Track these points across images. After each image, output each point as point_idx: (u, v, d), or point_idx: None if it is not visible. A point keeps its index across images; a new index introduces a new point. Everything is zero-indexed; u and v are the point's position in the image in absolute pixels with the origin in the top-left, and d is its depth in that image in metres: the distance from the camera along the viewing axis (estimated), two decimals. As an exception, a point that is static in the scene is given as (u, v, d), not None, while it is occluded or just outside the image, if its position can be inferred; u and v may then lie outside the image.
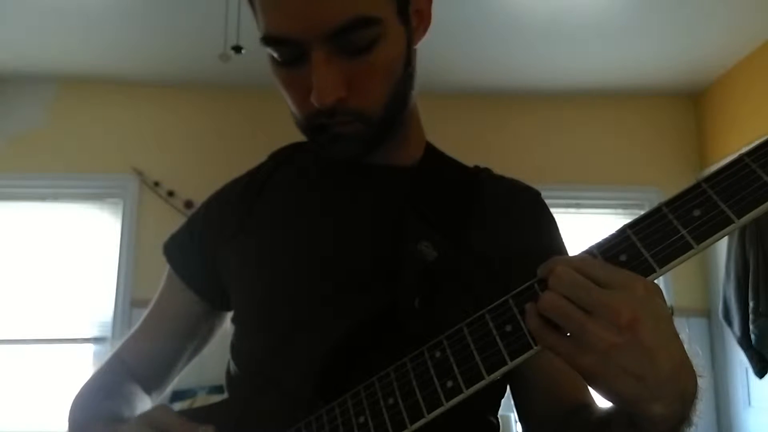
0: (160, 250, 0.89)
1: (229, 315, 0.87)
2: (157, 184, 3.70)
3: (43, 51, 3.46)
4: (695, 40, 3.33)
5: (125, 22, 3.16)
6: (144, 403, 0.82)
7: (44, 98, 3.75)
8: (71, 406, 0.81)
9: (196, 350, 0.90)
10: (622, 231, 0.52)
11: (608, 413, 0.59)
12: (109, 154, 3.74)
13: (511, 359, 0.52)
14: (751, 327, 3.05)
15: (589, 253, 0.52)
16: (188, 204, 3.59)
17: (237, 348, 0.82)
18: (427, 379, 0.56)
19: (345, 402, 0.62)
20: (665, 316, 0.49)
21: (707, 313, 3.72)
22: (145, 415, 0.65)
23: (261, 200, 0.84)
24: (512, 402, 0.79)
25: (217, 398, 0.94)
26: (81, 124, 3.78)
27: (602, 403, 0.57)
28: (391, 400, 0.58)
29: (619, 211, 3.93)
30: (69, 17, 3.10)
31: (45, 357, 3.50)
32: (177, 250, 0.88)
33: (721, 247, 3.36)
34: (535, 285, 0.53)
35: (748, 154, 0.49)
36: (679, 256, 0.49)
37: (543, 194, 0.85)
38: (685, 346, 0.50)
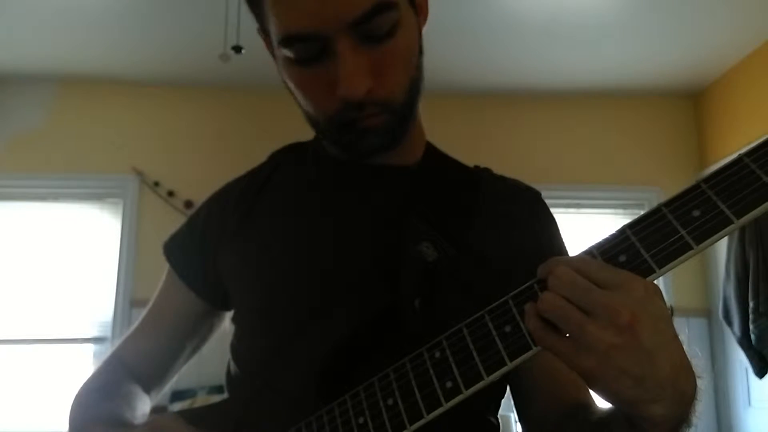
0: (160, 250, 0.89)
1: (229, 315, 0.87)
2: (157, 184, 3.70)
3: (43, 51, 3.46)
4: (695, 40, 3.33)
5: (125, 22, 3.16)
6: (143, 403, 0.82)
7: (44, 98, 3.75)
8: (71, 407, 0.81)
9: (196, 349, 0.90)
10: (622, 231, 0.52)
11: (608, 414, 0.59)
12: (109, 154, 3.74)
13: (511, 360, 0.52)
14: (751, 327, 3.05)
15: (589, 253, 0.52)
16: (188, 204, 3.59)
17: (237, 348, 0.82)
18: (427, 380, 0.56)
19: (344, 402, 0.62)
20: (665, 316, 0.49)
21: (707, 313, 3.72)
22: (154, 423, 0.65)
23: (261, 200, 0.83)
24: (512, 402, 0.79)
25: (217, 398, 0.94)
26: (81, 124, 3.78)
27: (602, 403, 0.57)
28: (390, 401, 0.58)
29: (619, 211, 3.93)
30: (69, 17, 3.10)
31: (45, 357, 3.50)
32: (177, 249, 0.88)
33: (721, 247, 3.36)
34: (535, 285, 0.53)
35: (748, 154, 0.49)
36: (678, 257, 0.49)
37: (543, 194, 0.85)
38: (685, 347, 0.50)
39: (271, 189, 0.85)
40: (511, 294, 0.54)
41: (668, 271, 0.50)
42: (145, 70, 3.70)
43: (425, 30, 0.77)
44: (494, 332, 0.54)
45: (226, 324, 0.89)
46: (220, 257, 0.83)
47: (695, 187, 0.50)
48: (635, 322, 0.46)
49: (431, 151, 0.85)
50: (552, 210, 0.84)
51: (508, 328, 0.53)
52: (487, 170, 0.86)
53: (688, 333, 0.52)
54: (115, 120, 3.81)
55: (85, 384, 0.84)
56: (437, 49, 3.25)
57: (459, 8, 3.02)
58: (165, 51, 3.48)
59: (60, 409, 3.26)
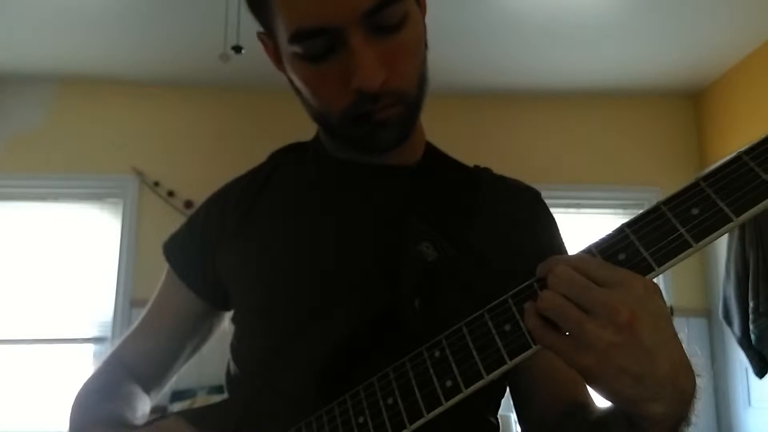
0: (160, 250, 0.89)
1: (229, 315, 0.87)
2: (157, 184, 3.70)
3: (43, 51, 3.46)
4: (695, 40, 3.33)
5: (125, 22, 3.16)
6: (143, 403, 0.82)
7: (44, 98, 3.76)
8: (71, 408, 0.81)
9: (195, 349, 0.90)
10: (621, 230, 0.52)
11: (607, 413, 0.59)
12: (109, 154, 3.74)
13: (510, 358, 0.52)
14: (751, 327, 3.05)
15: (588, 252, 0.52)
16: (188, 204, 3.59)
17: (237, 348, 0.82)
18: (427, 379, 0.56)
19: (344, 402, 0.62)
20: (664, 315, 0.49)
21: (707, 313, 3.72)
22: (158, 426, 0.65)
23: (261, 200, 0.83)
24: (511, 402, 0.79)
25: (217, 398, 0.94)
26: (81, 124, 3.78)
27: (601, 402, 0.57)
28: (390, 400, 0.58)
29: (619, 211, 3.93)
30: (69, 17, 3.10)
31: (45, 357, 3.50)
32: (177, 249, 0.88)
33: (721, 247, 3.36)
34: (534, 284, 0.53)
35: (747, 152, 0.49)
36: (677, 255, 0.49)
37: (543, 194, 0.85)
38: (684, 346, 0.50)
39: (271, 189, 0.85)
40: (511, 293, 0.54)
41: (667, 269, 0.50)
42: (145, 70, 3.70)
43: (425, 30, 0.77)
44: (494, 331, 0.54)
45: (226, 324, 0.89)
46: (219, 257, 0.83)
47: (694, 185, 0.50)
48: (635, 320, 0.46)
49: (431, 151, 0.85)
50: (552, 210, 0.84)
51: (507, 327, 0.53)
52: (487, 170, 0.86)
53: (688, 333, 0.52)
54: (115, 120, 3.81)
55: (85, 384, 0.84)
56: (437, 49, 3.23)
57: (459, 9, 3.02)
58: (165, 51, 3.48)
59: (60, 409, 3.26)
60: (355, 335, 0.67)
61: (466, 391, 0.54)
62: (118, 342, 0.90)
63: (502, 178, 0.86)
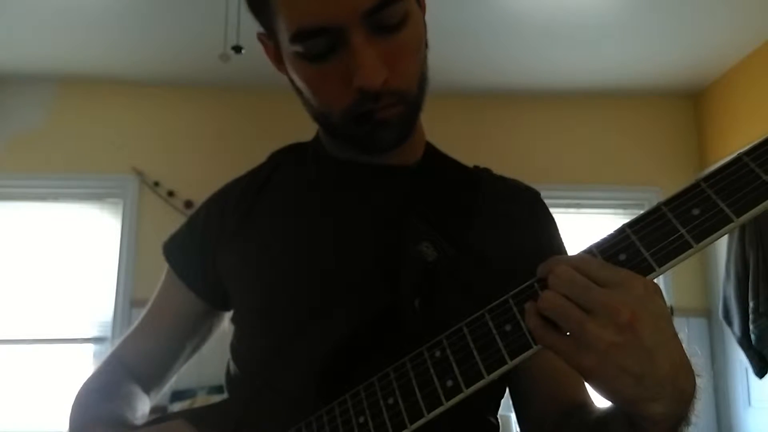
0: (160, 250, 0.89)
1: (229, 315, 0.87)
2: (157, 184, 3.70)
3: (43, 51, 3.46)
4: (695, 40, 3.34)
5: (125, 22, 3.16)
6: (143, 403, 0.82)
7: (44, 98, 3.75)
8: (71, 407, 0.81)
9: (195, 349, 0.90)
10: (621, 230, 0.52)
11: (607, 413, 0.59)
12: (109, 154, 3.74)
13: (511, 358, 0.52)
14: (751, 327, 3.05)
15: (589, 252, 0.52)
16: (188, 204, 3.59)
17: (237, 348, 0.82)
18: (427, 379, 0.56)
19: (345, 402, 0.62)
20: (664, 315, 0.49)
21: (707, 313, 3.72)
22: (160, 427, 0.65)
23: (261, 200, 0.83)
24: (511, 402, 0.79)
25: (217, 398, 0.94)
26: (81, 124, 3.78)
27: (601, 402, 0.57)
28: (390, 400, 0.58)
29: (619, 211, 3.93)
30: (69, 17, 3.10)
31: (45, 357, 3.50)
32: (177, 250, 0.88)
33: (721, 247, 3.36)
34: (535, 284, 0.53)
35: (747, 153, 0.49)
36: (678, 255, 0.49)
37: (543, 194, 0.85)
38: (684, 346, 0.50)
39: (271, 189, 0.85)
40: (512, 293, 0.54)
41: (668, 269, 0.50)
42: (145, 70, 3.70)
43: (425, 30, 0.77)
44: (494, 331, 0.54)
45: (226, 324, 0.89)
46: (219, 257, 0.83)
47: (695, 186, 0.50)
48: (635, 320, 0.46)
49: (431, 151, 0.85)
50: (552, 210, 0.84)
51: (508, 327, 0.53)
52: (486, 170, 0.86)
53: (688, 333, 0.52)
54: (115, 120, 3.81)
55: (85, 384, 0.84)
56: (437, 50, 3.23)
57: (459, 9, 3.02)
58: (165, 51, 3.48)
59: (60, 409, 3.26)
60: (355, 335, 0.67)
61: (467, 391, 0.54)
62: (118, 342, 0.90)
63: (502, 179, 0.86)
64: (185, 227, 0.90)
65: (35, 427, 3.34)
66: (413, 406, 0.56)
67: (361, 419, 0.59)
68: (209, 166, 3.39)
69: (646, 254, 0.50)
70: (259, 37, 0.77)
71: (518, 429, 0.79)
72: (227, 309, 0.87)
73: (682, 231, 0.49)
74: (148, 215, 3.66)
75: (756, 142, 0.49)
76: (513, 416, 0.78)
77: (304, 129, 0.93)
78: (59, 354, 3.51)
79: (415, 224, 0.72)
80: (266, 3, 0.69)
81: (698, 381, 0.51)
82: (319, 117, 0.76)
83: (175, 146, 3.79)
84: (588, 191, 3.88)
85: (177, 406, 3.03)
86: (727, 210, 0.48)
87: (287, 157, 0.89)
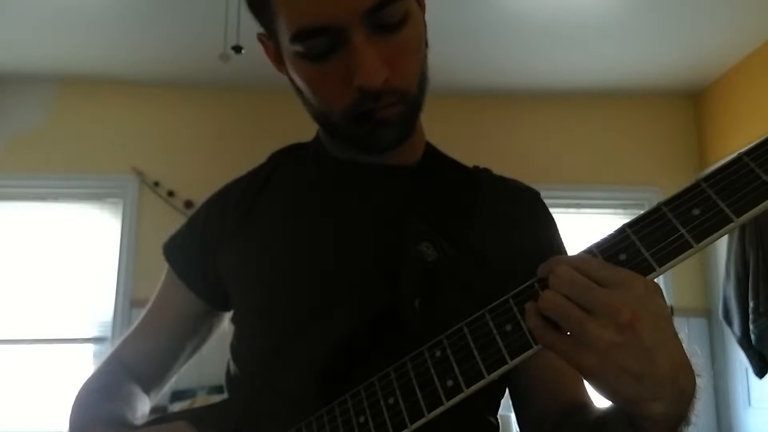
0: (160, 250, 0.89)
1: (229, 315, 0.87)
2: (157, 184, 3.70)
3: (43, 51, 3.46)
4: (695, 40, 3.34)
5: (125, 22, 3.16)
6: (143, 403, 0.82)
7: (44, 98, 3.76)
8: (71, 408, 0.81)
9: (195, 349, 0.90)
10: (622, 230, 0.52)
11: (606, 413, 0.59)
12: (109, 154, 3.74)
13: (511, 358, 0.53)
14: (751, 327, 3.05)
15: (589, 252, 0.53)
16: (188, 204, 3.59)
17: (237, 348, 0.82)
18: (428, 379, 0.56)
19: (345, 402, 0.62)
20: (665, 315, 0.49)
21: (707, 313, 3.72)
22: (160, 428, 0.65)
23: (261, 201, 0.84)
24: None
25: (217, 398, 0.94)
26: (81, 124, 3.78)
27: (601, 402, 0.57)
28: (391, 400, 0.58)
29: (619, 211, 3.93)
30: (69, 17, 3.10)
31: (45, 357, 3.50)
32: (177, 250, 0.88)
33: (721, 247, 3.36)
34: (535, 284, 0.53)
35: (747, 153, 0.49)
36: (678, 255, 0.49)
37: (543, 194, 0.85)
38: (684, 345, 0.50)
39: (271, 189, 0.85)
40: (512, 293, 0.55)
41: (668, 269, 0.50)
42: (145, 70, 3.70)
43: (425, 30, 0.77)
44: (495, 331, 0.54)
45: (226, 324, 0.89)
46: (219, 257, 0.83)
47: (695, 186, 0.50)
48: (636, 320, 0.46)
49: (431, 151, 0.85)
50: (552, 210, 0.84)
51: (508, 327, 0.53)
52: (486, 170, 0.86)
53: (688, 333, 0.52)
54: (115, 120, 3.81)
55: (86, 384, 0.84)
56: (437, 49, 3.22)
57: (459, 9, 3.02)
58: (165, 51, 3.48)
59: (60, 409, 3.26)
60: (355, 335, 0.67)
61: (467, 391, 0.54)
62: (118, 342, 0.90)
63: (502, 179, 0.86)
64: (185, 227, 0.90)
65: (35, 427, 3.34)
66: (413, 406, 0.56)
67: (362, 419, 0.59)
68: (209, 166, 3.39)
69: (647, 254, 0.50)
70: (259, 37, 0.77)
71: (518, 429, 0.79)
72: (227, 309, 0.87)
73: (683, 231, 0.49)
74: (148, 215, 3.66)
75: (756, 142, 0.49)
76: (513, 416, 0.78)
77: (304, 129, 0.93)
78: (59, 354, 3.51)
79: (415, 224, 0.72)
80: (266, 3, 0.69)
81: (698, 381, 0.51)
82: (319, 117, 0.76)
83: (175, 146, 3.79)
84: (588, 191, 3.88)
85: (177, 406, 3.03)
86: (727, 210, 0.48)
87: (287, 158, 0.89)
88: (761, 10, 3.02)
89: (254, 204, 0.83)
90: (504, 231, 0.78)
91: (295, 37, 0.66)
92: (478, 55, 3.54)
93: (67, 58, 3.54)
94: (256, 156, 0.94)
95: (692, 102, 3.98)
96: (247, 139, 3.58)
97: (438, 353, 0.57)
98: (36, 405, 3.39)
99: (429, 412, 0.55)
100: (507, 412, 0.79)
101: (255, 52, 0.87)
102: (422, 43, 0.72)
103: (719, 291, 3.38)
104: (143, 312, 0.89)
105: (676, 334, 0.49)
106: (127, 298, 3.56)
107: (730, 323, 3.23)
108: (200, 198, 0.92)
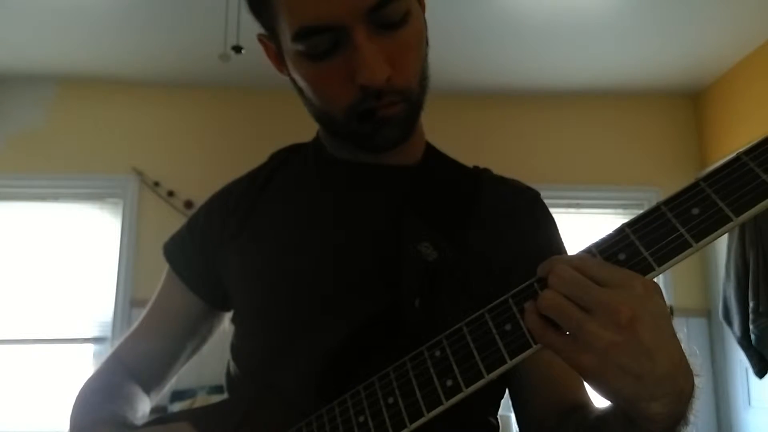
0: (160, 250, 0.89)
1: (229, 315, 0.87)
2: (157, 184, 3.70)
3: (43, 51, 3.46)
4: (695, 40, 3.34)
5: (125, 22, 3.16)
6: (144, 403, 0.82)
7: (44, 98, 3.76)
8: (72, 408, 0.81)
9: (195, 350, 0.90)
10: (621, 230, 0.52)
11: (606, 412, 0.59)
12: (109, 154, 3.74)
13: (511, 358, 0.53)
14: (751, 327, 3.05)
15: (588, 252, 0.52)
16: (188, 204, 3.60)
17: (237, 348, 0.82)
18: (427, 379, 0.56)
19: (345, 401, 0.62)
20: (664, 314, 0.49)
21: (707, 313, 3.72)
22: (159, 429, 0.65)
23: (261, 201, 0.84)
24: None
25: (217, 398, 0.94)
26: (81, 124, 3.78)
27: (600, 402, 0.57)
28: (390, 400, 0.58)
29: (619, 211, 3.93)
30: (69, 17, 3.10)
31: (45, 357, 3.50)
32: (177, 250, 0.88)
33: (721, 247, 3.36)
34: (535, 284, 0.53)
35: (746, 152, 0.49)
36: (677, 255, 0.49)
37: (543, 194, 0.85)
38: (683, 345, 0.50)
39: (271, 189, 0.85)
40: (511, 293, 0.54)
41: (668, 269, 0.50)
42: (145, 70, 3.70)
43: (425, 30, 0.77)
44: (494, 331, 0.54)
45: (226, 324, 0.89)
46: (220, 258, 0.83)
47: (694, 186, 0.50)
48: (635, 320, 0.46)
49: (431, 151, 0.85)
50: (552, 210, 0.84)
51: (508, 327, 0.53)
52: (486, 170, 0.86)
53: (688, 333, 0.52)
54: (115, 120, 3.81)
55: (86, 384, 0.84)
56: (437, 50, 3.22)
57: (459, 9, 3.02)
58: (165, 51, 3.48)
59: (60, 409, 3.26)
60: (354, 335, 0.67)
61: (467, 391, 0.54)
62: (118, 342, 0.90)
63: (502, 179, 0.86)
64: (186, 228, 0.90)
65: (35, 427, 3.34)
66: (413, 406, 0.56)
67: (361, 419, 0.59)
68: (209, 166, 3.39)
69: (646, 254, 0.50)
70: (260, 38, 0.77)
71: (518, 429, 0.79)
72: (227, 309, 0.87)
73: (682, 230, 0.49)
74: (148, 215, 3.66)
75: (755, 141, 0.49)
76: (513, 416, 0.78)
77: (304, 129, 0.93)
78: (59, 354, 3.51)
79: (415, 224, 0.72)
80: (268, 3, 0.69)
81: (697, 381, 0.51)
82: (320, 116, 0.76)
83: (175, 146, 3.79)
84: (588, 191, 3.88)
85: (177, 406, 3.03)
86: (726, 209, 0.48)
87: (287, 158, 0.89)
88: (761, 10, 3.02)
89: (254, 204, 0.83)
90: (504, 231, 0.77)
91: (297, 36, 0.66)
92: (478, 55, 3.54)
93: (67, 58, 3.55)
94: (256, 156, 0.94)
95: (692, 102, 3.98)
96: (247, 139, 3.58)
97: (437, 353, 0.57)
98: (36, 405, 3.39)
99: (428, 411, 0.55)
100: (507, 412, 0.79)
101: (255, 52, 0.87)
102: (423, 42, 0.72)
103: (719, 291, 3.38)
104: (143, 312, 0.89)
105: (675, 334, 0.49)
106: (127, 298, 3.56)
107: (730, 323, 3.23)
108: (200, 198, 0.92)
